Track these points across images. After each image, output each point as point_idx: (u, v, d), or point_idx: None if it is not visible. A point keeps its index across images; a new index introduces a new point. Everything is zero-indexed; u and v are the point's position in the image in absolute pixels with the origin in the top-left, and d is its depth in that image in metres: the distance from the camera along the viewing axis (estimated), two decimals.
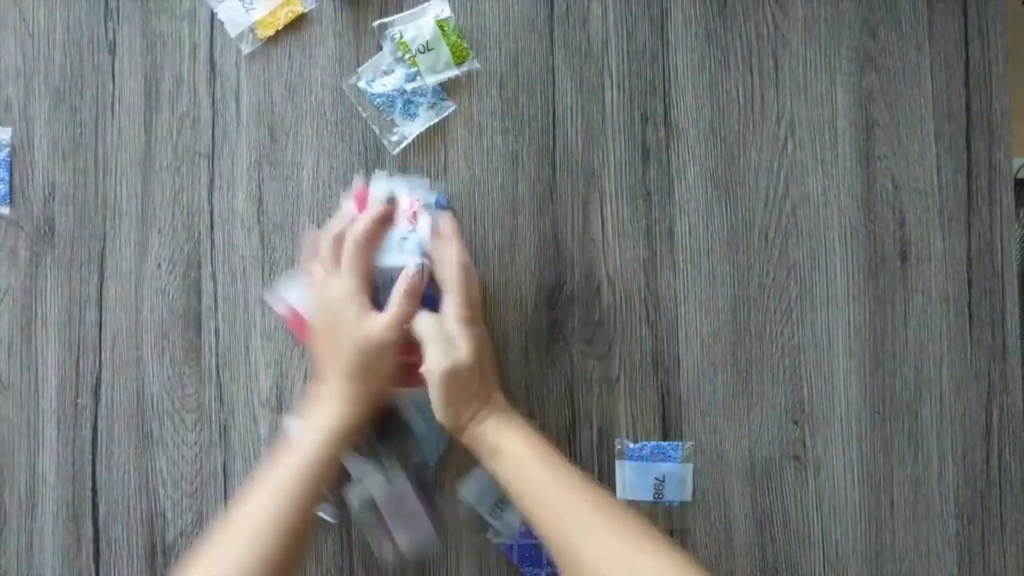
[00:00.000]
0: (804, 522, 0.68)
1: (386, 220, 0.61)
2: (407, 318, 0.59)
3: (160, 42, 0.71)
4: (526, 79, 0.70)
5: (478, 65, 0.70)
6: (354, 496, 0.67)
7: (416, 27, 0.69)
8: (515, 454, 0.57)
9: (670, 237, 0.69)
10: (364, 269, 0.60)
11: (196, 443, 0.69)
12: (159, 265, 0.70)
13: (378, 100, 0.70)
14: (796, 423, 0.69)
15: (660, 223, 0.70)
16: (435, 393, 0.58)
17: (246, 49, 0.70)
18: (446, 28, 0.69)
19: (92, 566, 0.69)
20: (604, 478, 0.68)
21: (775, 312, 0.69)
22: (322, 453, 0.57)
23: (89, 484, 0.69)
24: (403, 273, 0.60)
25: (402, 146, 0.69)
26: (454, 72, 0.69)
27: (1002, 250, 0.70)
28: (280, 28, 0.70)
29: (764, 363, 0.69)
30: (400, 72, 0.69)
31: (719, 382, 0.69)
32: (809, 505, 0.68)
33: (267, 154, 0.70)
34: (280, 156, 0.70)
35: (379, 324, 0.58)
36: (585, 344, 0.69)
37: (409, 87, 0.69)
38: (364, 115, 0.70)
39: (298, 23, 0.70)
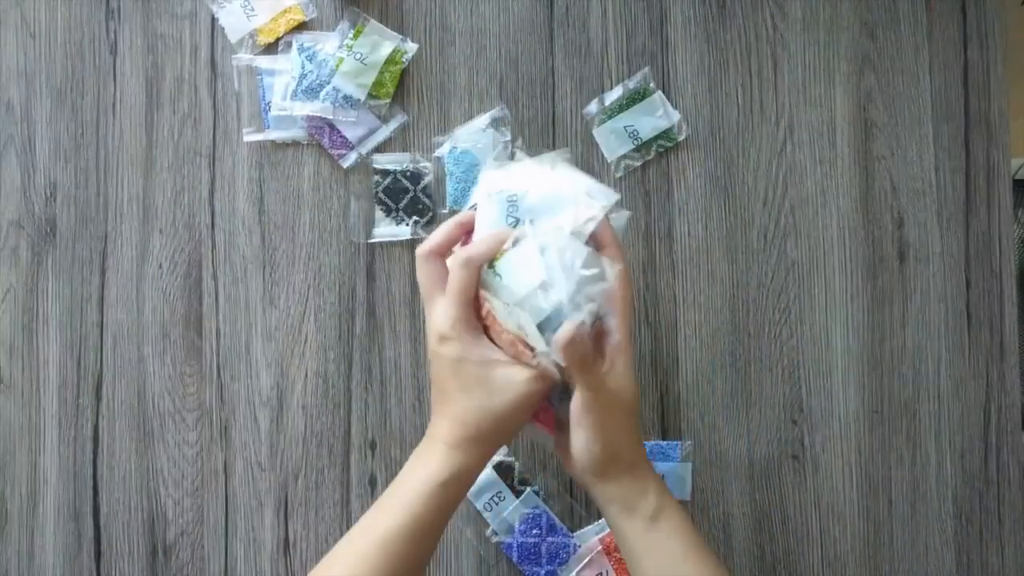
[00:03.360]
0: (802, 521, 0.68)
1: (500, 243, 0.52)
2: (550, 377, 0.51)
3: (161, 43, 0.71)
4: (526, 79, 0.71)
5: (389, 123, 0.69)
6: None
7: (373, 43, 0.69)
8: (678, 535, 0.52)
9: (669, 237, 0.70)
10: (465, 296, 0.51)
11: (197, 442, 0.69)
12: (160, 265, 0.70)
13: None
14: (795, 422, 0.69)
15: (659, 223, 0.70)
16: (587, 431, 0.51)
17: (246, 55, 0.70)
18: (395, 59, 0.69)
19: (93, 565, 0.69)
20: None
21: (774, 312, 0.69)
22: (432, 509, 0.50)
23: (90, 483, 0.69)
24: (564, 330, 0.48)
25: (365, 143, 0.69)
26: (359, 95, 0.68)
27: (1000, 250, 0.70)
28: (280, 35, 0.70)
29: (763, 363, 0.69)
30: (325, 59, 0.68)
31: (718, 382, 0.69)
32: (807, 504, 0.68)
33: (268, 154, 0.70)
34: (280, 156, 0.70)
35: (518, 381, 0.50)
36: None
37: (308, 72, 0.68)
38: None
39: (298, 31, 0.70)
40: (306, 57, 0.69)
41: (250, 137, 0.70)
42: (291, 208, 0.70)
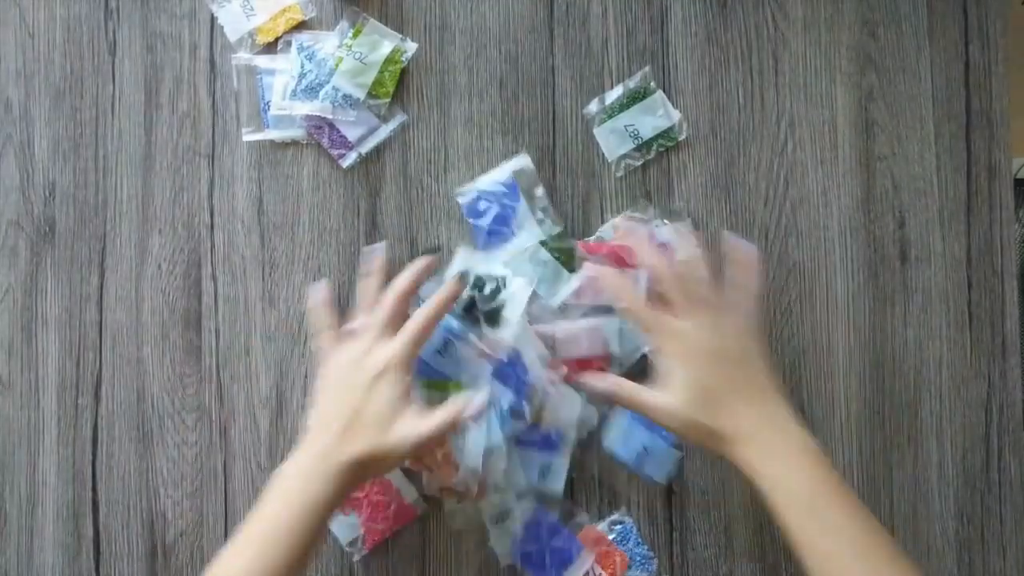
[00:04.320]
0: None
1: (454, 298, 0.61)
2: (442, 433, 0.57)
3: (160, 42, 0.71)
4: (526, 79, 0.70)
5: (389, 123, 0.69)
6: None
7: (373, 42, 0.69)
8: (777, 488, 0.53)
9: None
10: (420, 344, 0.59)
11: (196, 443, 0.69)
12: (159, 265, 0.70)
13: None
14: None
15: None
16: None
17: (245, 54, 0.70)
18: (395, 58, 0.69)
19: (92, 566, 0.69)
20: (605, 468, 0.68)
21: (775, 312, 0.69)
22: (320, 533, 0.55)
23: (89, 484, 0.69)
24: (468, 403, 0.57)
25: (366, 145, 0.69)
26: (359, 94, 0.68)
27: (1002, 250, 0.70)
28: (280, 35, 0.70)
29: None
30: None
31: None
32: None
33: (267, 154, 0.70)
34: (280, 156, 0.70)
35: (415, 433, 0.56)
36: None
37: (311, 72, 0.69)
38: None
39: (297, 30, 0.70)
40: (305, 56, 0.69)
41: (249, 137, 0.70)
42: (290, 208, 0.70)
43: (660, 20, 0.71)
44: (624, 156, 0.70)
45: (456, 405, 0.57)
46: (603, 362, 0.67)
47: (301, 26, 0.70)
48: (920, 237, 0.70)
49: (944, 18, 0.71)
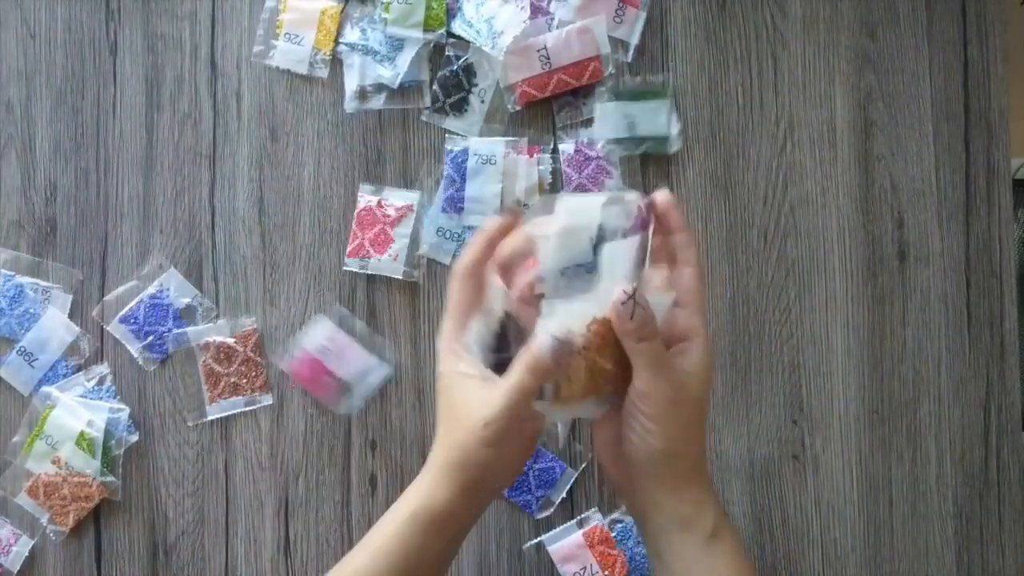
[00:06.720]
0: (803, 521, 0.68)
1: (500, 235, 0.48)
2: (529, 393, 0.44)
3: (161, 43, 0.71)
4: None
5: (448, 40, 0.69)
6: None
7: None
8: (735, 560, 0.46)
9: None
10: (466, 304, 0.47)
11: (198, 442, 0.69)
12: (160, 266, 0.70)
13: (361, 48, 0.69)
14: (795, 422, 0.69)
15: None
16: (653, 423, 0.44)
17: (324, 74, 0.70)
18: None
19: (94, 565, 0.69)
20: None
21: (774, 312, 0.69)
22: (408, 546, 0.46)
23: None
24: (536, 346, 0.43)
25: (400, 77, 0.69)
26: (417, 35, 0.68)
27: (1000, 250, 0.70)
28: (335, 35, 0.69)
29: (763, 363, 0.69)
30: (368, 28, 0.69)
31: (718, 381, 0.69)
32: (808, 504, 0.68)
33: (268, 155, 0.70)
34: (281, 157, 0.70)
35: (481, 415, 0.44)
36: None
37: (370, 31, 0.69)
38: (356, 63, 0.69)
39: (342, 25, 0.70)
40: (360, 29, 0.69)
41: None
42: (291, 208, 0.70)
43: (660, 20, 0.71)
44: (612, 142, 0.69)
45: (524, 357, 0.44)
46: (596, 62, 0.66)
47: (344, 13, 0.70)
48: (919, 237, 0.70)
49: (943, 18, 0.71)
